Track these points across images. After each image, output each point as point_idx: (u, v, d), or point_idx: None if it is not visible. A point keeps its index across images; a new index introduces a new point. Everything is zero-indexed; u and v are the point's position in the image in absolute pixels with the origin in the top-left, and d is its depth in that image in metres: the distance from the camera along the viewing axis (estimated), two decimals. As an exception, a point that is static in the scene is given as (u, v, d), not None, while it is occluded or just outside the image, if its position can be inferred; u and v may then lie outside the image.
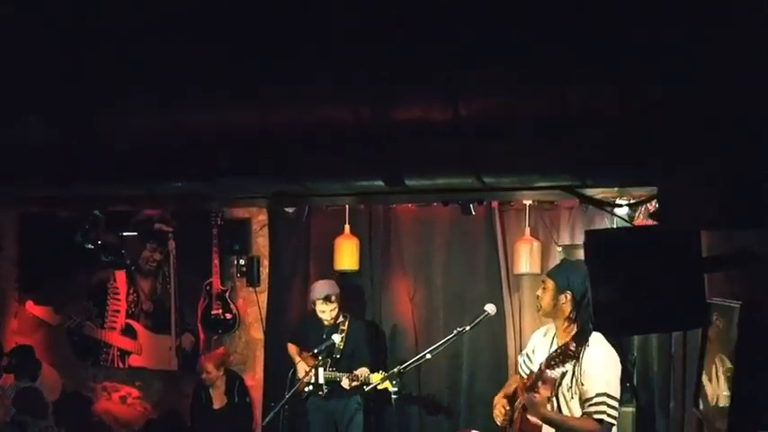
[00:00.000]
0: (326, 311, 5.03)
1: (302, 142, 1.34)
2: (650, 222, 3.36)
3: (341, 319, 5.14)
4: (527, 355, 3.56)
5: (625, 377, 4.95)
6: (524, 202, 5.30)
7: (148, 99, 1.36)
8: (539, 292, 3.35)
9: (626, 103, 1.14)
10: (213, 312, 6.08)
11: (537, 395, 3.05)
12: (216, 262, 6.00)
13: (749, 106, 1.10)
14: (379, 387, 4.19)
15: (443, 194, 1.61)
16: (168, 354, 6.22)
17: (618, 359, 3.20)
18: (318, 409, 5.02)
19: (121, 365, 6.38)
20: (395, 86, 1.24)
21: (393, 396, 3.93)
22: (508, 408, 3.37)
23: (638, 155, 1.21)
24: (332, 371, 4.89)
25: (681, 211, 1.31)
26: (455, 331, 3.52)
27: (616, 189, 1.47)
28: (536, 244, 5.19)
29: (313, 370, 4.94)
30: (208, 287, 6.08)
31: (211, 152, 1.41)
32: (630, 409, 4.77)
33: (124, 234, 2.93)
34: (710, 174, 1.21)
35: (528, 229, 5.30)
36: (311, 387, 4.93)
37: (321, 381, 4.85)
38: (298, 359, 5.07)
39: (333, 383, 4.82)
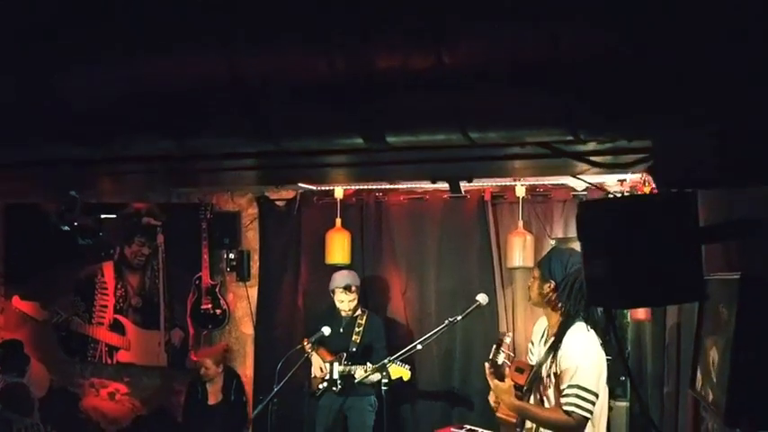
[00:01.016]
0: (345, 301, 4.95)
1: (274, 96, 1.27)
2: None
3: (359, 312, 5.06)
4: (531, 343, 3.52)
5: (620, 371, 4.93)
6: (518, 194, 5.26)
7: (109, 51, 1.29)
8: (529, 283, 3.31)
9: (620, 50, 1.08)
10: (203, 307, 6.00)
11: (504, 383, 3.00)
12: (205, 256, 5.93)
13: (752, 56, 1.05)
14: (393, 377, 4.11)
15: (429, 163, 1.54)
16: (157, 349, 6.14)
17: (600, 352, 3.06)
18: (329, 406, 4.94)
19: (110, 361, 6.29)
20: (372, 33, 1.17)
21: (383, 388, 3.87)
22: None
23: (633, 106, 1.15)
24: (347, 364, 4.81)
25: (677, 169, 1.26)
26: (446, 321, 3.46)
27: (609, 159, 1.41)
28: (529, 237, 5.15)
29: (328, 365, 4.87)
30: (197, 282, 6.00)
31: (177, 108, 1.34)
32: (624, 404, 4.74)
33: (102, 216, 2.85)
34: (710, 128, 1.16)
35: (521, 223, 5.25)
36: (326, 384, 4.85)
37: (336, 376, 4.77)
38: (314, 356, 4.97)
39: (347, 379, 4.73)
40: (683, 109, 1.13)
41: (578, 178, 1.82)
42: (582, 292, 3.12)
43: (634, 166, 1.34)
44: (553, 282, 3.15)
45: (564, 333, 3.06)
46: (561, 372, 3.00)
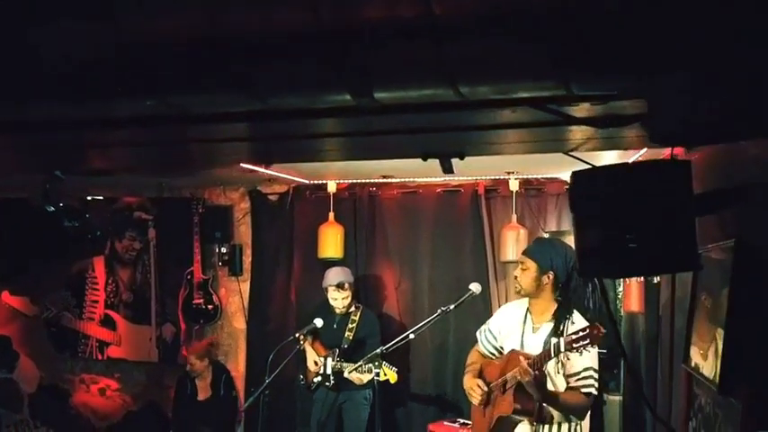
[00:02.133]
0: (338, 299, 4.92)
1: (256, 50, 1.23)
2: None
3: (353, 309, 5.03)
4: (489, 332, 3.48)
5: (613, 364, 4.93)
6: (511, 188, 5.25)
7: (82, 4, 1.25)
8: (517, 273, 3.28)
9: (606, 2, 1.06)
10: (194, 302, 5.96)
11: (540, 375, 2.99)
12: (197, 251, 5.89)
13: (748, 9, 1.03)
14: (381, 378, 4.10)
15: (421, 133, 1.51)
16: (148, 345, 6.09)
17: None
18: (324, 399, 4.91)
19: (100, 357, 6.24)
20: (359, -19, 1.14)
21: (377, 379, 3.84)
22: (486, 388, 3.30)
23: (623, 58, 1.13)
24: (339, 360, 4.79)
25: (670, 124, 1.23)
26: (439, 310, 3.44)
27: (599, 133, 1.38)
28: (523, 231, 5.14)
29: (322, 360, 4.84)
30: (189, 276, 5.96)
31: (159, 64, 1.30)
32: (617, 398, 4.73)
33: (89, 198, 2.79)
34: (704, 82, 1.14)
35: (515, 216, 5.24)
36: (320, 378, 4.83)
37: (329, 372, 4.74)
38: (308, 350, 4.95)
39: (339, 375, 4.71)
40: (672, 62, 1.11)
41: (572, 155, 1.79)
42: (580, 283, 3.21)
43: (628, 124, 1.31)
44: (552, 273, 3.17)
45: (564, 320, 3.10)
46: (572, 358, 3.02)
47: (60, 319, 6.34)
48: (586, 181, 1.40)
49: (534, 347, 3.20)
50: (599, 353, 4.70)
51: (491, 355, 3.52)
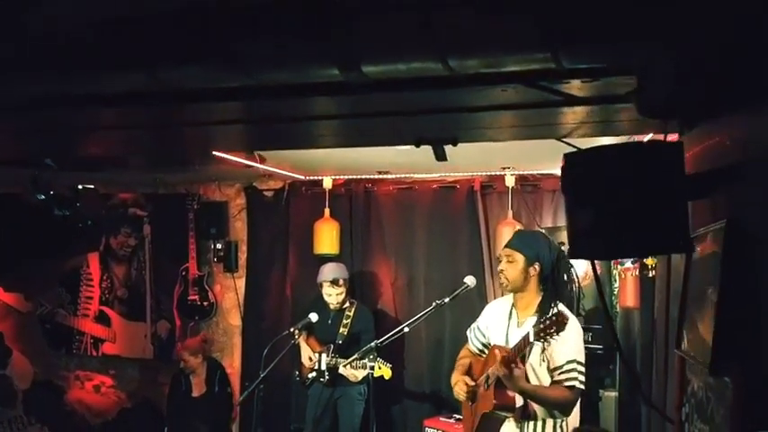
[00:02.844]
0: (333, 295, 4.90)
1: (241, 21, 1.21)
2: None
3: (347, 304, 5.02)
4: (478, 329, 3.48)
5: (608, 360, 4.91)
6: (507, 184, 5.24)
7: None
8: (502, 267, 3.26)
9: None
10: (190, 298, 5.94)
11: (518, 368, 2.97)
12: (192, 247, 5.87)
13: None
14: (375, 374, 4.10)
15: (411, 115, 1.49)
16: (143, 341, 6.07)
17: (580, 327, 3.21)
18: (319, 395, 4.89)
19: (95, 353, 6.21)
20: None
21: (372, 373, 3.83)
22: (472, 384, 3.28)
23: (615, 26, 1.12)
24: (334, 356, 4.77)
25: (660, 97, 1.22)
26: (434, 303, 3.43)
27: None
28: (519, 227, 5.12)
29: (317, 356, 4.83)
30: (184, 273, 5.94)
31: (145, 38, 1.28)
32: (613, 394, 4.72)
33: (80, 187, 2.77)
34: (695, 54, 1.13)
35: (511, 213, 5.23)
36: (314, 374, 4.81)
37: (323, 367, 4.73)
38: (303, 345, 4.94)
39: (334, 370, 4.70)
40: (660, 32, 1.10)
41: (566, 142, 1.78)
42: (564, 273, 3.21)
43: (619, 103, 1.30)
44: (539, 264, 3.17)
45: (548, 312, 3.08)
46: (555, 350, 3.01)
47: (55, 315, 6.32)
48: (578, 163, 1.39)
49: (517, 341, 3.17)
50: (597, 349, 4.71)
51: (480, 353, 3.51)
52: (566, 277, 3.26)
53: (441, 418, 4.94)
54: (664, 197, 1.29)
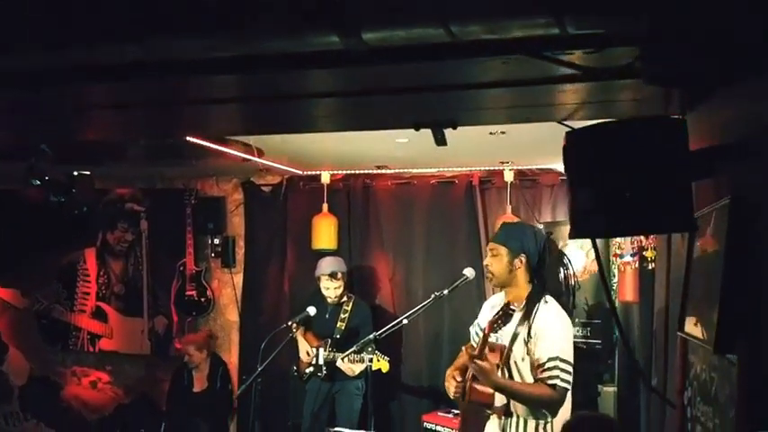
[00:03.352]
0: (331, 288, 4.89)
1: None
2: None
3: (345, 299, 5.00)
4: (478, 326, 3.44)
5: (607, 355, 4.90)
6: (506, 179, 5.23)
7: None
8: (487, 262, 3.20)
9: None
10: (187, 294, 5.91)
11: (485, 362, 2.93)
12: (190, 242, 5.84)
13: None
14: (374, 366, 4.09)
15: (411, 93, 1.47)
16: (140, 337, 6.04)
17: (569, 323, 3.14)
18: (317, 390, 4.87)
19: (92, 349, 6.18)
20: None
21: (370, 365, 3.82)
22: (460, 379, 3.22)
23: None
24: (331, 350, 4.75)
25: (665, 65, 1.20)
26: (433, 295, 3.40)
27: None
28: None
29: (314, 350, 4.81)
30: (181, 268, 5.92)
31: (134, 5, 1.25)
32: (612, 389, 4.71)
33: (75, 173, 2.75)
34: (700, 21, 1.11)
35: (509, 208, 5.23)
36: (312, 368, 4.80)
37: (321, 362, 4.71)
38: (300, 340, 4.92)
39: (332, 365, 4.68)
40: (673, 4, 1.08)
41: (566, 124, 1.76)
42: (552, 263, 3.18)
43: (621, 78, 1.28)
44: (525, 255, 3.13)
45: (534, 306, 3.05)
46: (538, 345, 2.97)
47: (51, 311, 6.28)
48: (580, 140, 1.37)
49: (507, 335, 3.13)
50: (595, 344, 4.69)
51: None
52: (562, 273, 3.23)
53: (439, 413, 4.92)
54: (667, 174, 1.27)
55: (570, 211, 1.44)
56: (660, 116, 1.32)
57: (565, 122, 1.81)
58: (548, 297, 3.12)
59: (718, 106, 1.35)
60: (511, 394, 3.04)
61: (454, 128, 1.76)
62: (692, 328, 1.48)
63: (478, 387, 3.01)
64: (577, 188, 1.37)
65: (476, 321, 3.53)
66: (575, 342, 4.71)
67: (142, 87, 1.51)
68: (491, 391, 3.02)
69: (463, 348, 3.47)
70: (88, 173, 2.93)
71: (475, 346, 3.43)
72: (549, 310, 3.08)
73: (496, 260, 3.16)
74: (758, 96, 1.13)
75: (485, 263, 3.24)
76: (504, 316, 2.88)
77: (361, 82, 1.46)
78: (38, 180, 2.69)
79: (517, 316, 3.10)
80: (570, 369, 3.01)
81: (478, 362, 2.90)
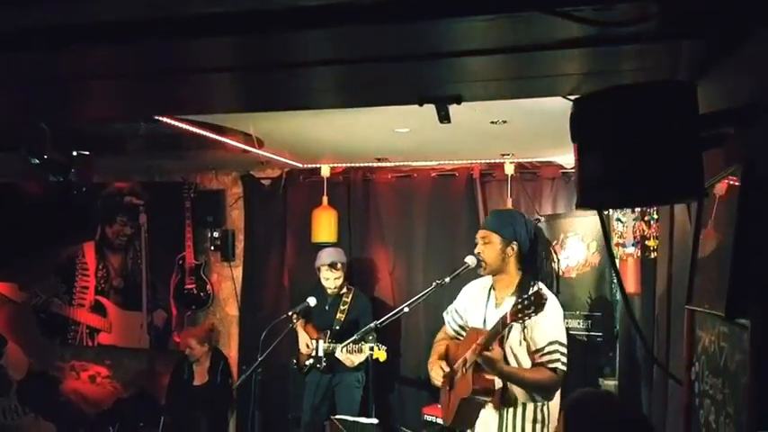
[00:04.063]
0: (330, 279, 4.88)
1: None
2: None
3: (345, 290, 4.98)
4: (456, 312, 3.41)
5: (608, 348, 4.88)
6: (506, 172, 5.22)
7: None
8: (479, 249, 3.17)
9: None
10: (186, 287, 5.89)
11: (494, 351, 2.90)
12: (189, 236, 5.83)
13: None
14: (374, 355, 4.08)
15: (410, 61, 1.44)
16: (139, 331, 6.02)
17: (561, 307, 3.16)
18: (317, 383, 4.86)
19: (90, 343, 6.16)
20: None
21: (369, 355, 3.79)
22: (447, 369, 3.19)
23: None
24: (331, 342, 4.74)
25: (675, 13, 1.18)
26: (434, 284, 3.37)
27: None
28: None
29: (314, 343, 4.79)
30: (181, 261, 5.90)
31: None
32: (613, 383, 4.69)
33: (75, 154, 2.73)
34: None
35: (510, 201, 5.21)
36: (311, 360, 4.78)
37: (320, 354, 4.70)
38: (300, 332, 4.91)
39: (331, 356, 4.67)
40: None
41: (571, 100, 1.74)
42: (541, 251, 3.16)
43: (629, 43, 1.26)
44: (516, 243, 3.12)
45: (527, 291, 2.99)
46: (536, 330, 2.96)
47: (50, 305, 6.26)
48: (587, 106, 1.35)
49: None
50: (596, 336, 4.67)
51: (457, 336, 3.43)
52: (544, 255, 3.22)
53: (439, 406, 4.90)
54: (676, 139, 1.25)
55: (578, 182, 1.42)
56: (668, 80, 1.30)
57: (570, 98, 1.79)
58: (539, 283, 3.11)
59: (729, 72, 1.34)
60: (516, 381, 3.02)
61: (458, 102, 1.74)
62: (701, 298, 1.47)
63: (484, 375, 2.99)
64: (584, 157, 1.36)
65: (451, 307, 3.47)
66: (575, 335, 4.72)
67: (138, 51, 1.47)
68: (491, 378, 3.00)
69: (445, 337, 3.40)
70: (87, 153, 2.91)
71: (451, 332, 3.37)
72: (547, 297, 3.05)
73: (489, 248, 3.13)
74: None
75: (476, 251, 3.19)
76: (534, 304, 2.81)
77: (360, 47, 1.43)
78: (36, 159, 2.67)
79: (510, 302, 3.09)
80: (566, 352, 3.03)
81: (487, 353, 2.86)
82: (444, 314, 3.53)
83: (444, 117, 1.93)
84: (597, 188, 1.33)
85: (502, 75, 1.62)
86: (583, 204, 1.41)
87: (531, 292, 3.00)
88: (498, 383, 3.06)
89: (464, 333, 3.39)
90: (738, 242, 1.18)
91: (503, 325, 2.89)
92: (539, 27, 1.27)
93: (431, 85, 1.68)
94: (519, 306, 2.82)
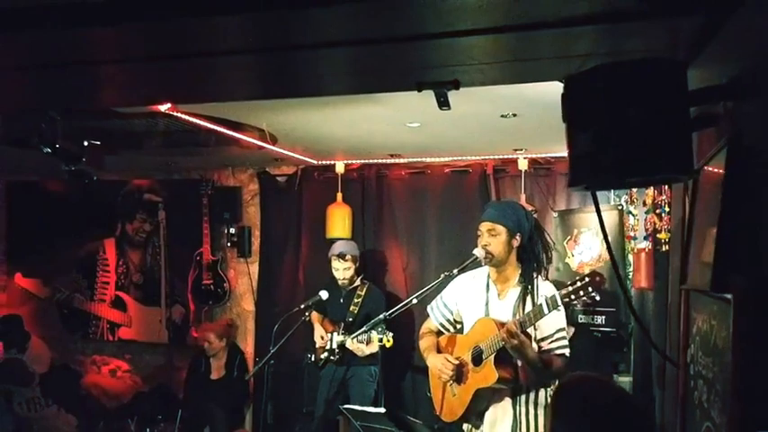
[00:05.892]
0: (340, 270, 4.94)
1: None
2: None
3: (358, 283, 5.03)
4: (444, 306, 3.40)
5: (622, 343, 4.85)
6: (520, 168, 5.21)
7: None
8: (485, 242, 3.16)
9: None
10: (204, 283, 5.98)
11: (524, 338, 2.93)
12: (206, 232, 5.91)
13: None
14: (386, 345, 4.14)
15: (406, 42, 1.46)
16: (158, 326, 6.12)
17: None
18: (331, 376, 4.91)
19: (111, 338, 6.29)
20: None
21: (380, 345, 3.82)
22: (456, 362, 3.18)
23: None
24: (344, 334, 4.79)
25: None
26: (443, 275, 3.39)
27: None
28: (532, 210, 5.09)
29: (329, 335, 4.85)
30: (198, 258, 5.99)
31: None
32: (628, 379, 4.66)
33: (86, 143, 2.80)
34: None
35: (524, 196, 5.20)
36: (326, 353, 4.84)
37: (334, 346, 4.76)
38: (316, 325, 4.97)
39: (344, 347, 4.72)
40: None
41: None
42: (541, 241, 3.19)
43: (632, 21, 1.26)
44: (520, 234, 3.13)
45: (532, 283, 3.08)
46: (544, 318, 2.97)
47: (72, 300, 6.40)
48: (577, 84, 1.37)
49: (502, 313, 3.12)
50: (610, 332, 4.64)
51: (444, 330, 3.43)
52: (540, 245, 3.22)
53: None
54: (664, 116, 1.26)
55: (569, 162, 1.43)
56: (658, 57, 1.31)
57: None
58: (540, 276, 3.14)
59: (722, 50, 1.34)
60: (538, 367, 3.02)
61: (457, 88, 1.76)
62: (694, 278, 1.47)
63: (508, 364, 3.01)
64: (575, 135, 1.37)
65: (438, 302, 3.46)
66: (591, 329, 4.70)
67: (143, 32, 1.50)
68: (512, 366, 3.03)
69: (432, 330, 3.38)
70: (98, 142, 2.99)
71: (437, 325, 3.37)
72: (547, 285, 3.13)
73: (497, 240, 3.13)
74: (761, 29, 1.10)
75: (482, 243, 3.18)
76: (591, 285, 2.81)
77: (356, 29, 1.45)
78: (48, 149, 2.74)
79: (514, 292, 3.13)
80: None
81: (517, 340, 2.86)
82: (429, 308, 3.52)
83: (444, 103, 1.96)
84: (586, 168, 1.35)
85: (500, 57, 1.63)
86: (573, 183, 1.43)
87: (536, 281, 3.03)
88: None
89: (452, 327, 3.40)
90: (725, 214, 1.19)
91: (552, 306, 2.86)
92: (539, 2, 1.26)
93: (427, 70, 1.70)
94: (573, 288, 2.82)
